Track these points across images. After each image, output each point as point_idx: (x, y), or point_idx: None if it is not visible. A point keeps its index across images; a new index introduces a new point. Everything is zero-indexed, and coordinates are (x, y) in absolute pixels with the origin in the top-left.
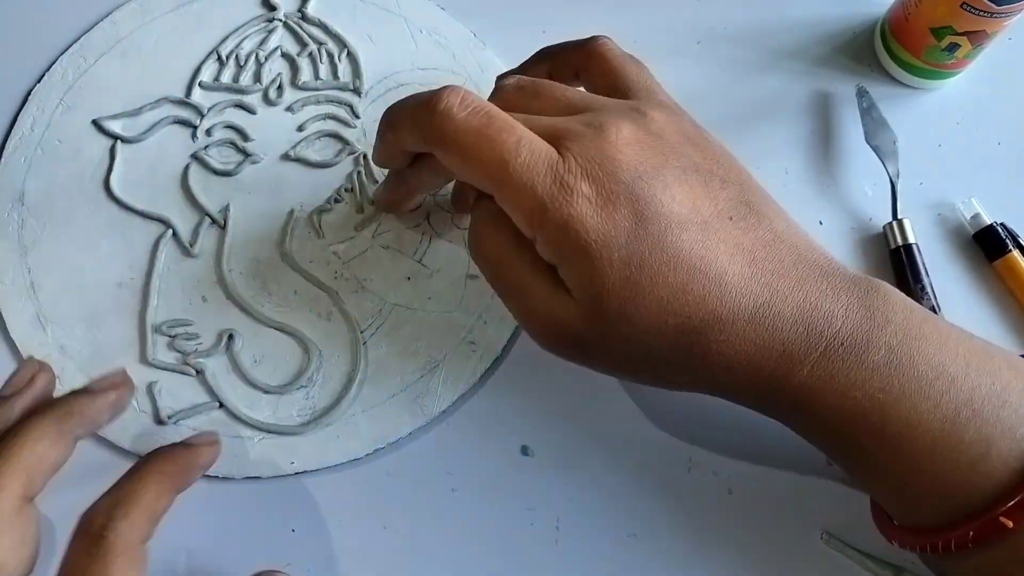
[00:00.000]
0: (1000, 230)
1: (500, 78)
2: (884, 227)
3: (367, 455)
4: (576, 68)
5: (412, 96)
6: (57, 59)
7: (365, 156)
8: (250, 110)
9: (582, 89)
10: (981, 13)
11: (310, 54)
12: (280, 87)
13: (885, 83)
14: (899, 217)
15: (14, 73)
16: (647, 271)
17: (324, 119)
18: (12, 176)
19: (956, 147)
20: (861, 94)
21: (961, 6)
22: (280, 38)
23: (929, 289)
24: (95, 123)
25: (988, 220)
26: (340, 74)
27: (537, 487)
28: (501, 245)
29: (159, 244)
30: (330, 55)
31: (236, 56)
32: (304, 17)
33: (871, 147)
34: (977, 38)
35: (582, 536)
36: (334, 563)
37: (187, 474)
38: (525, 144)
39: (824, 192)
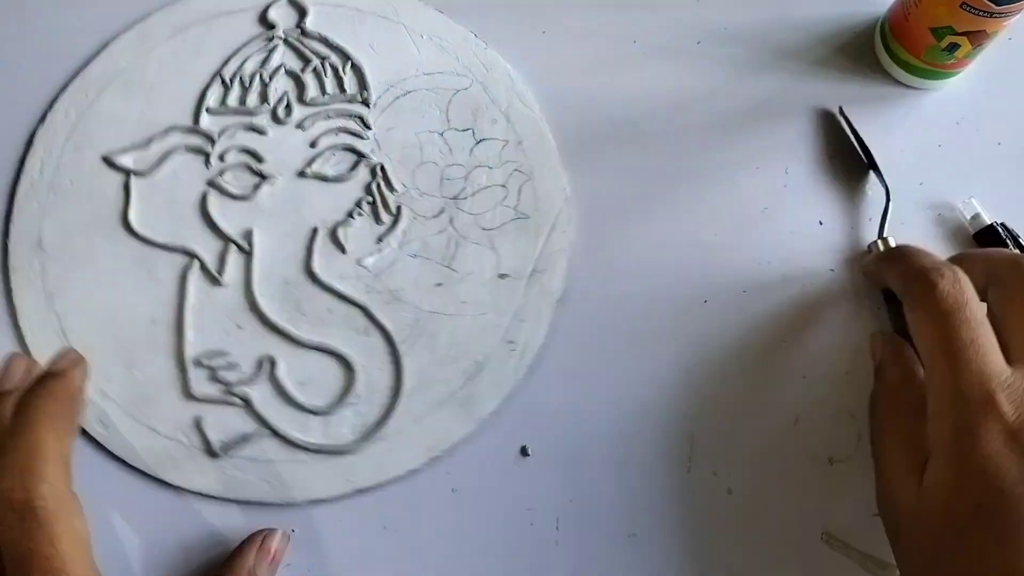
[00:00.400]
0: (1000, 230)
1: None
2: (870, 245)
3: (424, 464)
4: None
5: (916, 253)
6: (57, 98)
7: (382, 167)
8: (260, 131)
9: None
10: (981, 13)
11: (314, 69)
12: (288, 105)
13: (885, 83)
14: (884, 236)
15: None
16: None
17: (336, 133)
18: (27, 223)
19: (956, 147)
20: (843, 115)
21: (961, 6)
22: (282, 55)
23: None
24: (105, 159)
25: (988, 220)
26: (346, 87)
27: (537, 487)
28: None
29: (187, 276)
30: (334, 68)
31: (240, 77)
32: (304, 32)
33: (871, 168)
34: (977, 38)
35: (582, 536)
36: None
37: (74, 403)
38: (978, 346)
39: (824, 192)
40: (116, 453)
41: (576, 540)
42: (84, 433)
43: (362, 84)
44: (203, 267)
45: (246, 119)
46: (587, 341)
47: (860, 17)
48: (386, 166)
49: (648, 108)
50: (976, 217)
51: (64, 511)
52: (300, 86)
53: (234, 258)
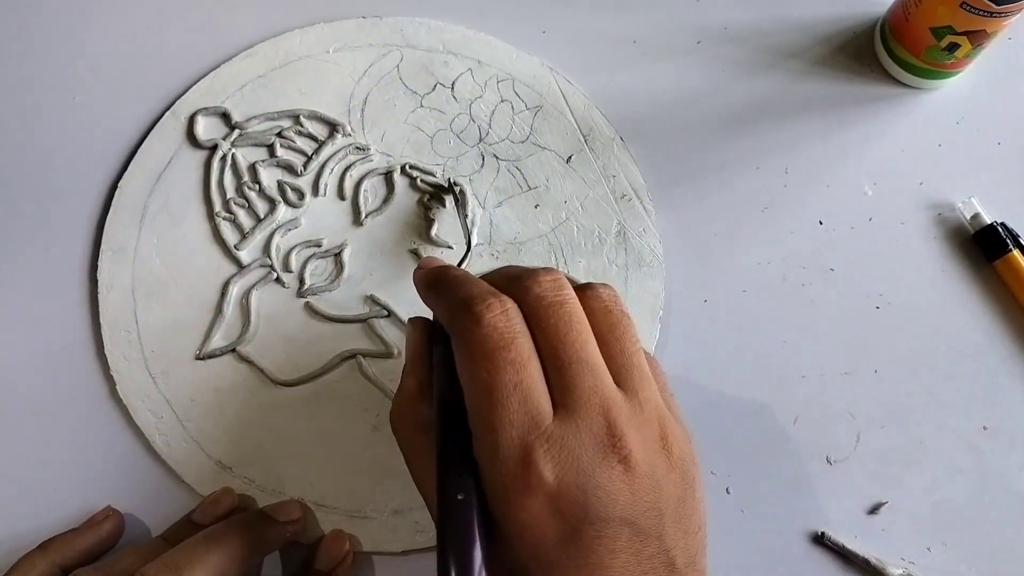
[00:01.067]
0: (1000, 230)
1: (602, 286)
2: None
3: None
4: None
5: (464, 281)
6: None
7: (402, 166)
8: (296, 226)
9: (654, 362)
10: (981, 13)
11: (283, 145)
12: (293, 189)
13: (885, 83)
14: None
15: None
16: None
17: (348, 175)
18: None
19: (956, 147)
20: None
21: (961, 6)
22: (246, 159)
23: None
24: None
25: (988, 220)
26: (316, 133)
27: None
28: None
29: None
30: (297, 130)
31: (233, 201)
32: (239, 128)
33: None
34: (977, 38)
35: None
36: None
37: (261, 546)
38: (521, 391)
39: (824, 192)
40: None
41: None
42: (142, 439)
43: (326, 120)
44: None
45: (268, 231)
46: None
47: (860, 17)
48: (407, 165)
49: (648, 108)
50: (976, 217)
51: None
52: (288, 166)
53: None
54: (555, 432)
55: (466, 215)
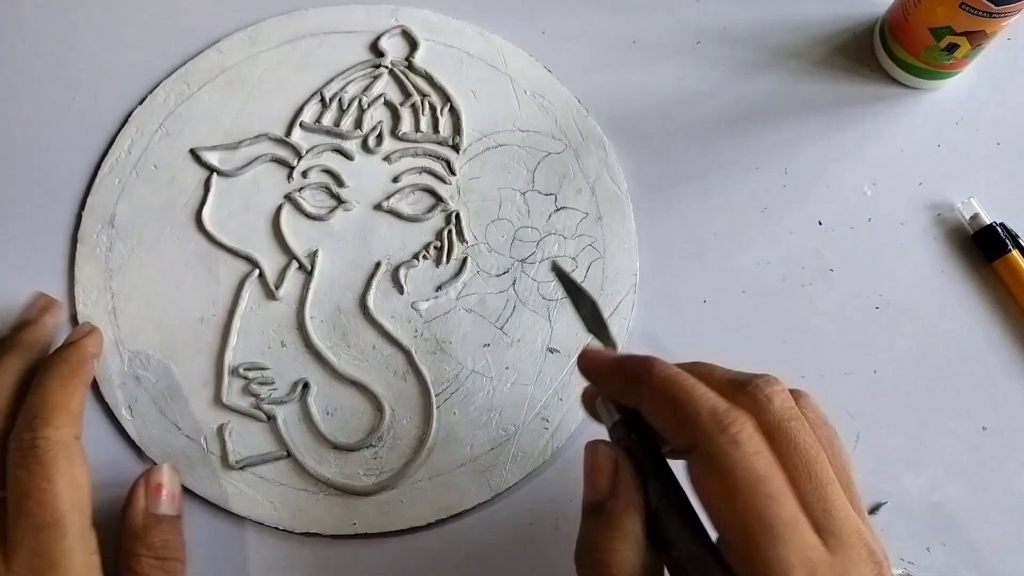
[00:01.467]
0: (1000, 230)
1: (808, 396)
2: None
3: (428, 524)
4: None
5: (695, 389)
6: (160, 83)
7: (457, 215)
8: (347, 156)
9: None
10: (980, 13)
11: (413, 105)
12: (380, 136)
13: (885, 83)
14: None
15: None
16: None
17: (420, 172)
18: (105, 197)
19: (956, 147)
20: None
21: (960, 6)
22: (384, 85)
23: None
24: (193, 152)
25: (988, 220)
26: (441, 128)
27: (537, 486)
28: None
29: (244, 283)
30: (433, 108)
31: (339, 99)
32: (411, 67)
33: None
34: (976, 38)
35: None
36: None
37: (84, 367)
38: (800, 528)
39: (824, 192)
40: (135, 441)
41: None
42: (109, 415)
43: (456, 128)
44: (262, 278)
45: (336, 141)
46: None
47: (860, 17)
48: (462, 215)
49: (648, 108)
50: (975, 217)
51: (64, 456)
52: (396, 119)
53: (293, 275)
54: (838, 565)
55: (445, 284)
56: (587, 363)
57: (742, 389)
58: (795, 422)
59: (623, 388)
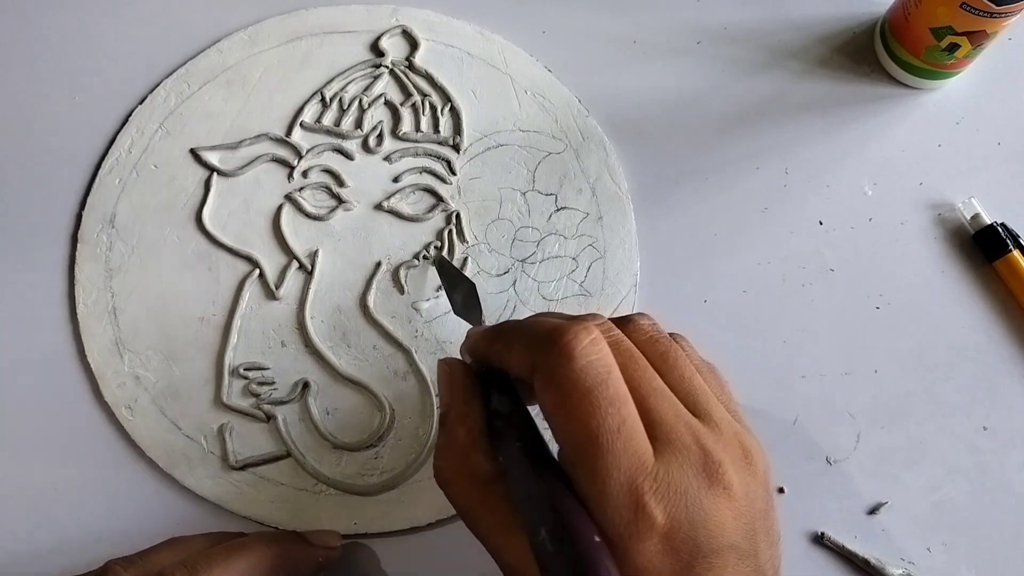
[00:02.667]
0: (1000, 230)
1: (640, 316)
2: (469, 331)
3: (428, 524)
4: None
5: (540, 319)
6: (161, 82)
7: (458, 215)
8: (348, 156)
9: (710, 373)
10: (981, 13)
11: (413, 105)
12: (380, 135)
13: (885, 83)
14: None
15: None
16: None
17: (420, 172)
18: (105, 197)
19: (956, 147)
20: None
21: (961, 6)
22: (385, 85)
23: None
24: (193, 152)
25: (988, 220)
26: (441, 128)
27: None
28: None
29: (244, 283)
30: (433, 108)
31: (340, 99)
32: (411, 66)
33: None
34: (977, 38)
35: None
36: None
37: (287, 564)
38: (625, 432)
39: (824, 192)
40: (135, 440)
41: None
42: (109, 415)
43: (457, 128)
44: (262, 278)
45: (337, 141)
46: None
47: (860, 17)
48: (462, 215)
49: (648, 108)
50: (976, 217)
51: None
52: (396, 119)
53: (294, 275)
54: (660, 470)
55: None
56: (468, 340)
57: (617, 321)
58: (615, 345)
59: (489, 347)
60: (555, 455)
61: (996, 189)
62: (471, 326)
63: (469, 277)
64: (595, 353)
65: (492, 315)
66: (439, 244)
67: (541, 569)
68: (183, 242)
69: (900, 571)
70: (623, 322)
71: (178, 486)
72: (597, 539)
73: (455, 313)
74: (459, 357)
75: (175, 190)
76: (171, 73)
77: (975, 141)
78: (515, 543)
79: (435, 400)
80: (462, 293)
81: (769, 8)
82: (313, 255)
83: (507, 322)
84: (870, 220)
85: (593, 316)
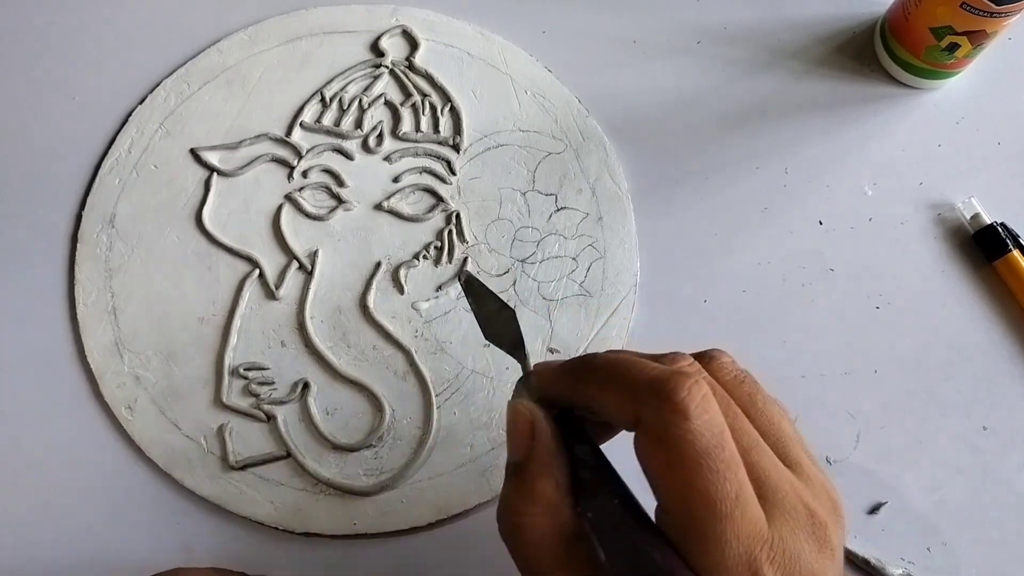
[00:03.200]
0: (1000, 230)
1: (720, 353)
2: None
3: (428, 524)
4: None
5: (636, 362)
6: (161, 82)
7: (458, 215)
8: (348, 156)
9: (780, 409)
10: (981, 13)
11: (413, 105)
12: (380, 135)
13: (885, 83)
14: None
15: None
16: None
17: (420, 172)
18: (105, 197)
19: (956, 147)
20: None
21: (961, 6)
22: (385, 85)
23: None
24: (193, 152)
25: (988, 220)
26: (441, 128)
27: None
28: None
29: (244, 283)
30: (433, 108)
31: (340, 99)
32: (411, 66)
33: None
34: (977, 38)
35: None
36: None
37: None
38: (743, 499)
39: (823, 192)
40: (135, 440)
41: None
42: (109, 415)
43: (457, 128)
44: (262, 278)
45: (336, 141)
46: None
47: (860, 17)
48: (462, 215)
49: (648, 108)
50: (976, 217)
51: None
52: (396, 119)
53: (294, 275)
54: (775, 538)
55: (445, 284)
56: (539, 379)
57: (699, 358)
58: (746, 385)
59: (572, 388)
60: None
61: (996, 189)
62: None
63: (506, 303)
64: (709, 411)
65: None
66: (439, 244)
67: None
68: (183, 242)
69: (900, 571)
70: (704, 361)
71: (178, 486)
72: None
73: (487, 339)
74: (517, 394)
75: (175, 190)
76: (171, 73)
77: (975, 141)
78: None
79: (435, 400)
80: (498, 322)
81: (769, 8)
82: (313, 255)
83: (588, 359)
84: (870, 220)
85: (683, 357)
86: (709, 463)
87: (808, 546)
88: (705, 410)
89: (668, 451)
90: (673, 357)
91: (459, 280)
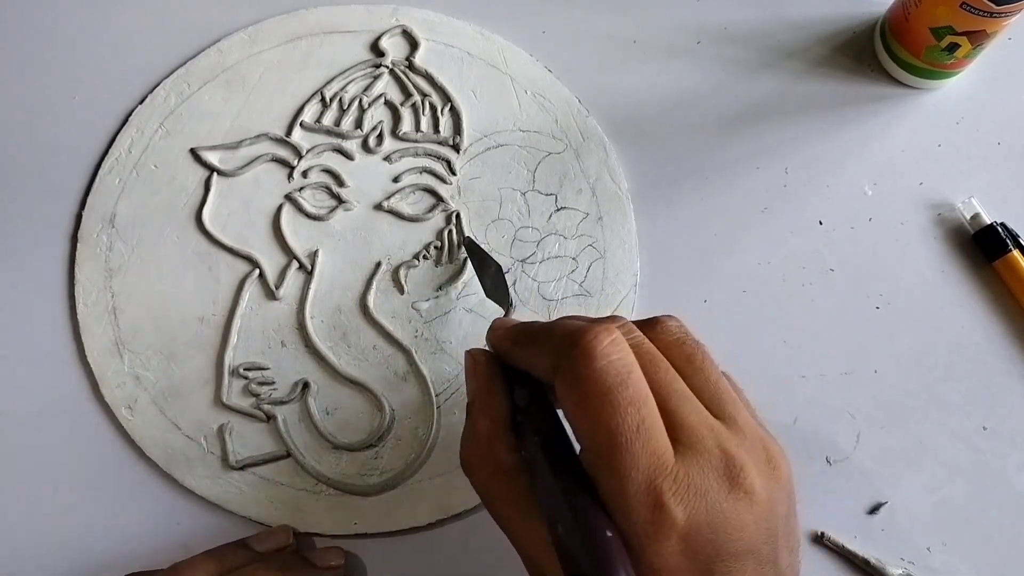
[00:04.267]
0: (1000, 230)
1: (667, 318)
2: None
3: (428, 524)
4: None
5: (566, 323)
6: (160, 82)
7: (458, 215)
8: (348, 156)
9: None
10: (981, 13)
11: (413, 105)
12: (380, 135)
13: (885, 83)
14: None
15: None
16: None
17: (420, 172)
18: (105, 197)
19: (956, 147)
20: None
21: (961, 6)
22: (385, 85)
23: None
24: (193, 152)
25: (988, 220)
26: (441, 128)
27: None
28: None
29: (244, 283)
30: (433, 108)
31: (340, 99)
32: (411, 66)
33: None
34: (977, 38)
35: None
36: None
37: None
38: (644, 432)
39: (824, 192)
40: (135, 440)
41: None
42: (109, 415)
43: (457, 128)
44: (262, 277)
45: (337, 141)
46: None
47: (860, 17)
48: (462, 215)
49: (648, 108)
50: (976, 217)
51: None
52: (396, 119)
53: (294, 275)
54: (680, 471)
55: (445, 285)
56: (491, 333)
57: (642, 323)
58: (635, 347)
59: (509, 349)
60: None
61: (996, 189)
62: (501, 309)
63: (495, 260)
64: (615, 353)
65: (492, 315)
66: (439, 244)
67: (560, 561)
68: (183, 242)
69: (900, 571)
70: (649, 324)
71: (178, 486)
72: (610, 534)
73: (486, 295)
74: (484, 347)
75: (175, 190)
76: (171, 73)
77: (975, 141)
78: (535, 534)
79: (435, 400)
80: (490, 276)
81: (769, 8)
82: (313, 255)
83: (531, 323)
84: (870, 220)
85: (615, 318)
86: (611, 398)
87: (718, 484)
88: (611, 352)
89: (575, 391)
90: (608, 318)
91: (463, 245)
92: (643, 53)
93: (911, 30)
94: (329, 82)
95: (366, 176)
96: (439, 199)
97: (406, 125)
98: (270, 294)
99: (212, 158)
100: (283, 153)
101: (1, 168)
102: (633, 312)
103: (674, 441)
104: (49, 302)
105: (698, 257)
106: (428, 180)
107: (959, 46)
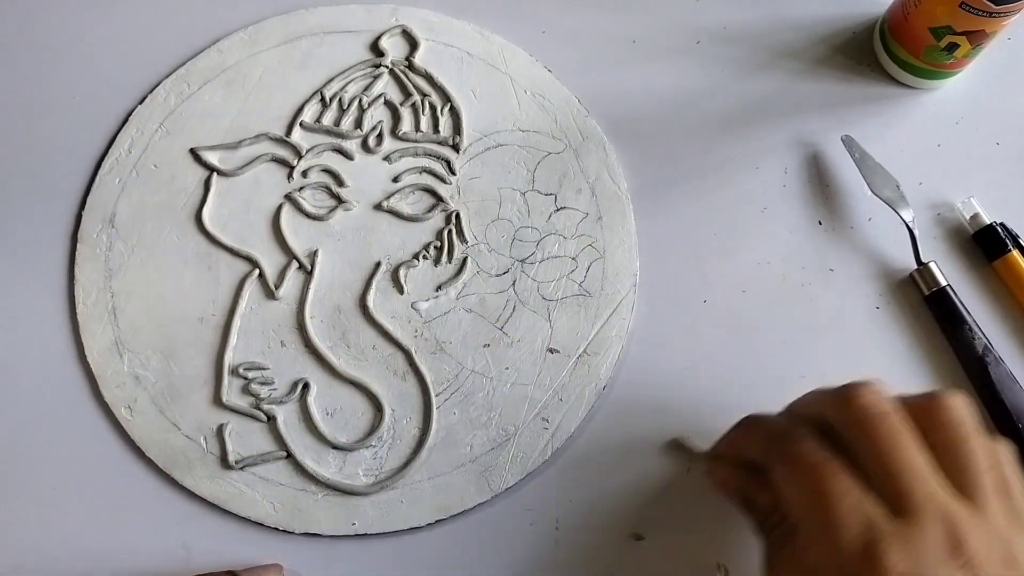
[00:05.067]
0: (1000, 230)
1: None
2: (912, 274)
3: (428, 524)
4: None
5: (773, 417)
6: (160, 82)
7: (457, 215)
8: (348, 156)
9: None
10: (980, 13)
11: (413, 105)
12: (380, 135)
13: (885, 83)
14: (924, 261)
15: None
16: None
17: (420, 172)
18: (105, 196)
19: (956, 147)
20: (849, 144)
21: (960, 6)
22: (385, 85)
23: (977, 329)
24: (193, 152)
25: (988, 220)
26: (441, 128)
27: (537, 487)
28: None
29: (244, 283)
30: (433, 108)
31: (340, 99)
32: (411, 66)
33: (879, 198)
34: (976, 38)
35: (582, 536)
36: None
37: None
38: (851, 500)
39: (823, 192)
40: (135, 441)
41: (576, 540)
42: (109, 415)
43: (456, 128)
44: (262, 278)
45: (336, 141)
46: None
47: (859, 17)
48: (462, 215)
49: (648, 108)
50: (975, 217)
51: None
52: (396, 119)
53: (293, 275)
54: (899, 530)
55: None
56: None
57: (833, 396)
58: (877, 419)
59: (731, 445)
60: None
61: (995, 189)
62: None
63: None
64: (815, 449)
65: (492, 315)
66: (438, 244)
67: None
68: (183, 242)
69: None
70: (927, 398)
71: (177, 486)
72: None
73: None
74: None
75: (175, 190)
76: (171, 73)
77: (974, 141)
78: None
79: (434, 400)
80: None
81: (769, 8)
82: (313, 255)
83: (750, 418)
84: (870, 220)
85: (864, 384)
86: (818, 471)
87: (934, 553)
88: (812, 447)
89: (784, 468)
90: (853, 386)
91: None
92: (643, 53)
93: (910, 30)
94: (329, 82)
95: (366, 176)
96: (439, 199)
97: (406, 125)
98: (270, 294)
99: (212, 158)
100: (283, 153)
101: (1, 168)
102: (633, 311)
103: (895, 510)
104: (49, 302)
105: (698, 257)
106: (428, 180)
107: (958, 46)
